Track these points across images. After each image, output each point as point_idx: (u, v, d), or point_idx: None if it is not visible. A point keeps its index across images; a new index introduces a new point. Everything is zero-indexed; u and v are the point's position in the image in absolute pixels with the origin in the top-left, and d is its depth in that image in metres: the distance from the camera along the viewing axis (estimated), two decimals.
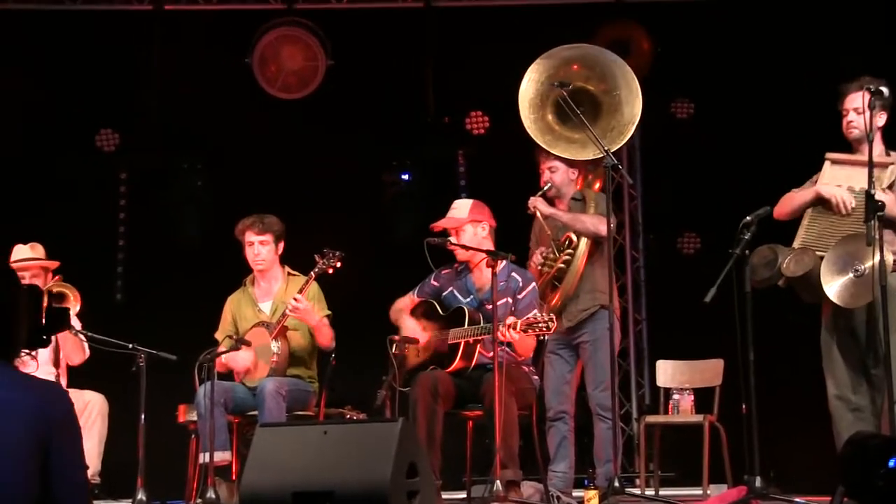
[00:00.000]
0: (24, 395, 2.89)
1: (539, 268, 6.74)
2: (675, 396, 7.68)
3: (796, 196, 5.91)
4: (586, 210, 6.76)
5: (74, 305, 6.75)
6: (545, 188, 6.80)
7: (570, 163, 6.76)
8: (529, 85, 6.65)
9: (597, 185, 6.89)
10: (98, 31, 8.95)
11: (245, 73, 9.07)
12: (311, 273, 6.59)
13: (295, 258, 6.90)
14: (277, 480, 4.42)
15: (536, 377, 6.43)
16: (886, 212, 5.45)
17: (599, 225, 6.48)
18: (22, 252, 6.88)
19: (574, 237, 6.69)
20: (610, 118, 6.67)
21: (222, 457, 6.34)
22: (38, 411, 2.88)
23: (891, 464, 4.10)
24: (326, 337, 6.67)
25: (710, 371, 7.73)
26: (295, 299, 6.50)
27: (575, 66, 6.70)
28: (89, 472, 5.97)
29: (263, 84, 9.09)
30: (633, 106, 6.64)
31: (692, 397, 7.64)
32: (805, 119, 7.66)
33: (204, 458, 6.24)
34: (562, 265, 6.68)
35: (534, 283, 6.42)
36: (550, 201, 6.82)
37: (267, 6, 9.16)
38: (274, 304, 6.78)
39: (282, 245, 6.82)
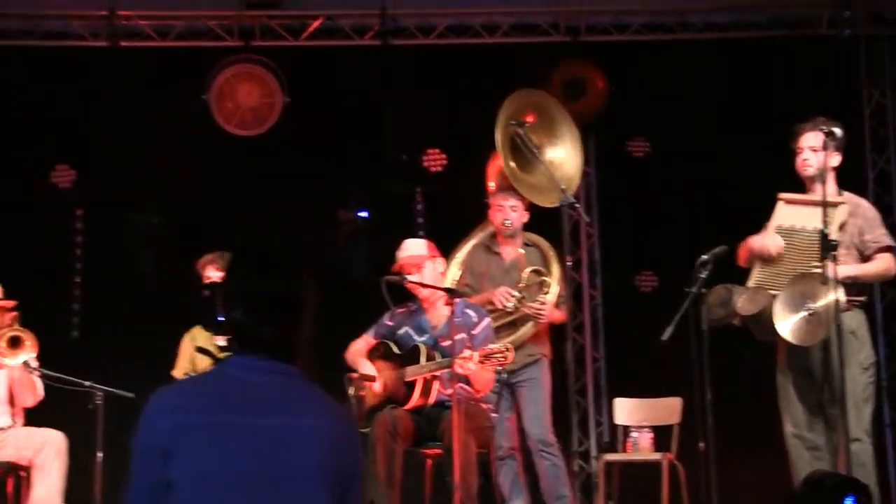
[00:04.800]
0: (316, 420, 2.39)
1: (507, 305, 6.72)
2: (634, 434, 7.69)
3: (742, 247, 6.01)
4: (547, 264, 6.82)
5: (31, 351, 6.45)
6: (506, 223, 6.81)
7: (527, 206, 6.81)
8: (498, 129, 6.68)
9: None
10: (49, 66, 8.91)
11: (202, 110, 9.04)
12: None
13: None
14: None
15: (496, 414, 6.41)
16: (840, 274, 5.49)
17: None
18: None
19: (549, 281, 6.76)
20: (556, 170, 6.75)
21: None
22: (330, 443, 2.37)
23: (847, 503, 4.14)
24: None
25: (668, 409, 7.74)
26: None
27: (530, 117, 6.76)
28: None
29: (220, 121, 9.06)
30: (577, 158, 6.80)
31: (651, 435, 7.65)
32: (763, 157, 7.72)
33: None
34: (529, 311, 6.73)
35: (488, 318, 6.42)
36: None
37: (224, 43, 9.14)
38: None
39: None
